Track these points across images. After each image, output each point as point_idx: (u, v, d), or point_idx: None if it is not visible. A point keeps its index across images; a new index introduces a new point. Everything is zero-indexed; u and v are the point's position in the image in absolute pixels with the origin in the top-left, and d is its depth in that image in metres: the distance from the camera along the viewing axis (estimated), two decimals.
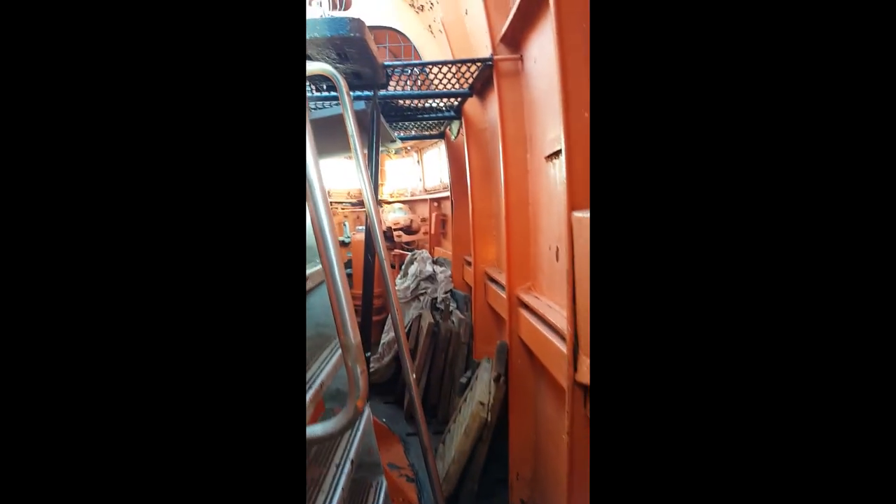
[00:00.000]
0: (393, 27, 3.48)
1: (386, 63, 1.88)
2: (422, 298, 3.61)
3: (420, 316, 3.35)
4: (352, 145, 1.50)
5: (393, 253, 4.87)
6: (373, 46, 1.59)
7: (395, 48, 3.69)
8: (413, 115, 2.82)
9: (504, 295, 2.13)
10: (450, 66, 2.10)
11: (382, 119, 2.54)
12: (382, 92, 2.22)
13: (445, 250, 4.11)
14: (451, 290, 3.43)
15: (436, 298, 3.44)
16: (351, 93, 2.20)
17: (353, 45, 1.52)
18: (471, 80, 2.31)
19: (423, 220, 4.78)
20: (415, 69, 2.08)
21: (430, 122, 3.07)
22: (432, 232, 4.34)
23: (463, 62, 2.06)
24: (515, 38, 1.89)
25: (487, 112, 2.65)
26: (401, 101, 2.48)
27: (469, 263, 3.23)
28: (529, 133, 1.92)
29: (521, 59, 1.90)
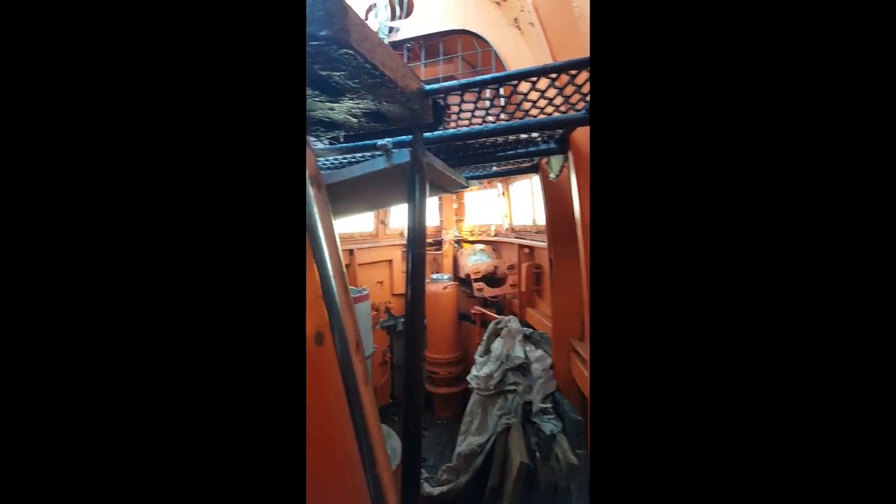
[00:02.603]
0: (466, 30, 2.59)
1: (429, 87, 0.98)
2: (510, 397, 2.62)
3: (508, 434, 2.37)
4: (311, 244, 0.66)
5: (472, 311, 3.96)
6: (385, 55, 0.70)
7: (470, 57, 2.81)
8: (491, 153, 1.88)
9: None
10: (550, 76, 1.12)
11: (440, 166, 1.65)
12: (433, 133, 1.33)
13: (541, 317, 3.07)
14: (553, 394, 2.39)
15: (530, 405, 2.43)
16: (387, 142, 1.36)
17: (338, 63, 0.64)
18: (589, 98, 1.30)
19: (511, 267, 3.79)
20: (489, 89, 1.14)
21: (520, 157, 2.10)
22: (523, 289, 3.33)
23: (578, 67, 1.05)
24: None
25: None
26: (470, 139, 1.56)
27: (581, 357, 2.19)
28: None
29: None
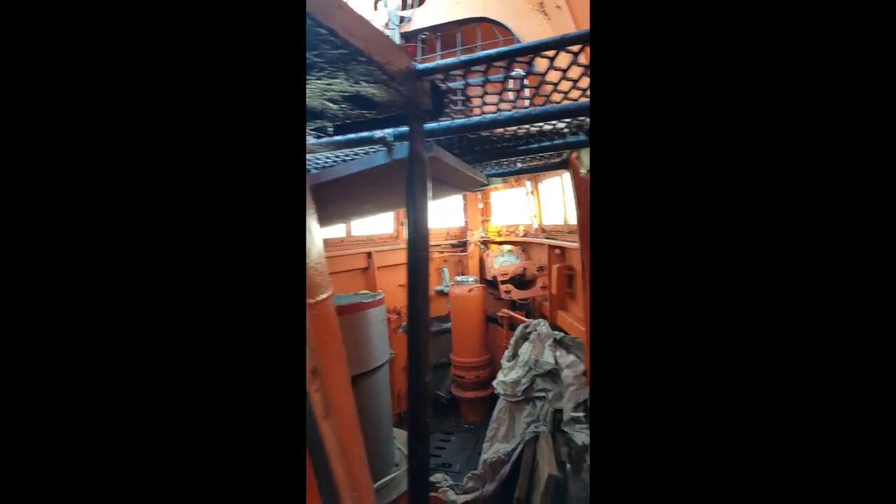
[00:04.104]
0: (485, 17, 2.43)
1: (422, 66, 0.84)
2: (538, 404, 2.44)
3: (536, 443, 2.20)
4: None
5: (500, 314, 3.79)
6: (349, 21, 0.57)
7: (491, 47, 2.64)
8: (513, 147, 1.72)
9: None
10: (570, 50, 0.93)
11: (453, 162, 1.50)
12: (439, 124, 1.19)
13: (573, 321, 2.86)
14: (586, 402, 2.20)
15: (561, 413, 2.24)
16: (388, 133, 1.23)
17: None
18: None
19: (541, 268, 3.58)
20: (496, 67, 0.98)
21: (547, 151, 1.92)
22: (554, 291, 3.12)
23: None
24: None
25: None
26: (483, 132, 1.41)
27: None
28: None
29: None
